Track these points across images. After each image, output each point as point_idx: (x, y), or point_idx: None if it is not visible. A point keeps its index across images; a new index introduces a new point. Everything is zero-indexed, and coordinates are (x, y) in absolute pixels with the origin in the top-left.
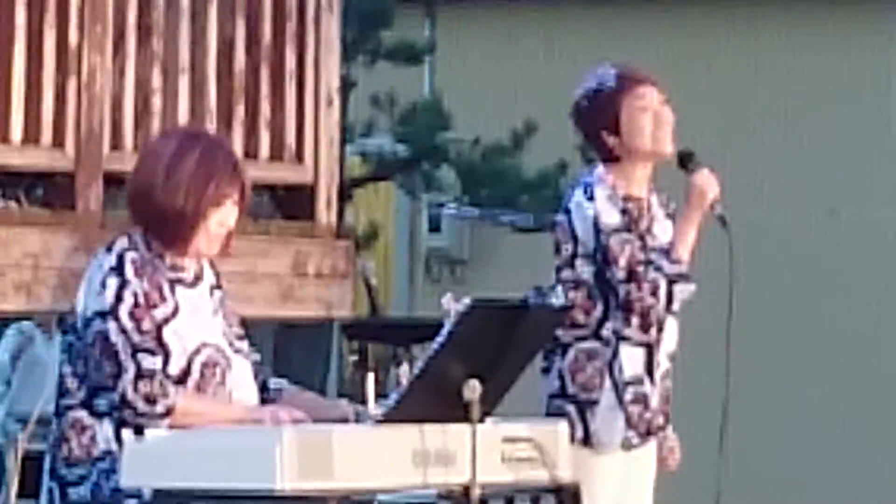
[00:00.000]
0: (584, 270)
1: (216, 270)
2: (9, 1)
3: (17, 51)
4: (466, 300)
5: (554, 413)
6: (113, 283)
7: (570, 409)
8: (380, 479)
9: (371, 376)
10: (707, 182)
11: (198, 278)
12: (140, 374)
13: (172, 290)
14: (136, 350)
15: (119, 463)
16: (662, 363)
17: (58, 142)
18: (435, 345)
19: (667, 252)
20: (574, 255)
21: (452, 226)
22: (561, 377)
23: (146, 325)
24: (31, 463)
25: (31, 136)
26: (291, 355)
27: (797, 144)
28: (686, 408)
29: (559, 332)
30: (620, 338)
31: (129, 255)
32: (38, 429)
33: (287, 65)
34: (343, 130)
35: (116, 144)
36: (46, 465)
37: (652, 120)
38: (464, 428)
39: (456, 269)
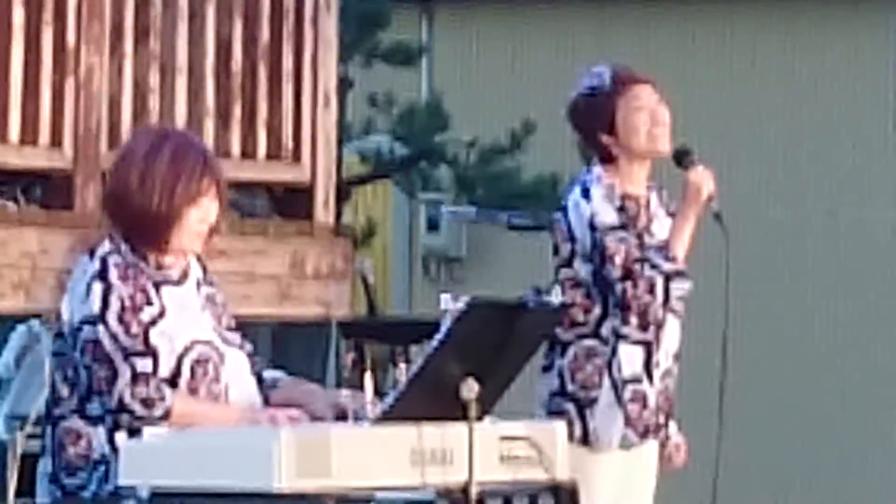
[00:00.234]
0: (583, 269)
1: (203, 265)
2: (6, 0)
3: (14, 50)
4: (464, 299)
5: (553, 411)
6: (98, 288)
7: (570, 407)
8: (377, 479)
9: (369, 375)
10: (702, 178)
11: (184, 275)
12: (135, 378)
13: (158, 291)
14: (128, 354)
15: (114, 467)
16: (662, 362)
17: (55, 142)
18: (433, 344)
19: (663, 249)
20: (572, 255)
21: (450, 225)
22: (560, 376)
23: (135, 328)
24: (30, 462)
25: (29, 136)
26: (289, 354)
27: (795, 145)
28: (683, 407)
29: (559, 331)
30: (619, 336)
31: (112, 259)
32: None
33: (284, 65)
34: (341, 130)
35: (114, 144)
36: (44, 470)
37: (648, 119)
38: (461, 427)
39: (454, 268)
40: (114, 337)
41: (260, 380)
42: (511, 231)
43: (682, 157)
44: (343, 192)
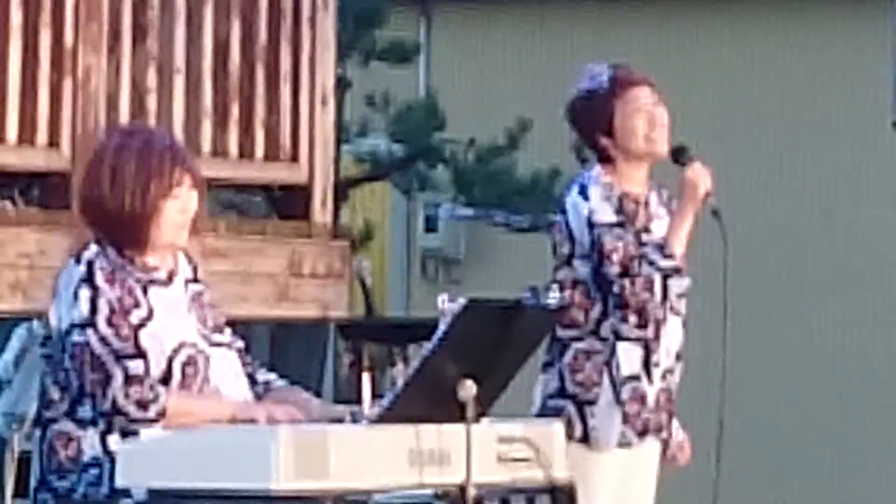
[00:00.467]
0: (582, 269)
1: (193, 264)
2: (4, 1)
3: (12, 51)
4: (461, 300)
5: (553, 411)
6: (85, 293)
7: (570, 407)
8: (375, 479)
9: (367, 376)
10: (699, 175)
11: (171, 275)
12: (128, 380)
13: (145, 293)
14: (119, 356)
15: (106, 469)
16: (663, 361)
17: (53, 142)
18: (430, 344)
19: (660, 247)
20: (571, 255)
21: (448, 226)
22: (560, 376)
23: (125, 330)
24: (27, 463)
25: (27, 136)
26: (287, 355)
27: (793, 145)
28: (681, 406)
29: (558, 331)
30: (618, 336)
31: (99, 263)
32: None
33: (282, 65)
34: (338, 130)
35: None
36: (36, 474)
37: (645, 121)
38: (459, 428)
39: (451, 268)
40: (104, 340)
41: (252, 380)
42: (509, 232)
43: (679, 155)
44: (341, 192)
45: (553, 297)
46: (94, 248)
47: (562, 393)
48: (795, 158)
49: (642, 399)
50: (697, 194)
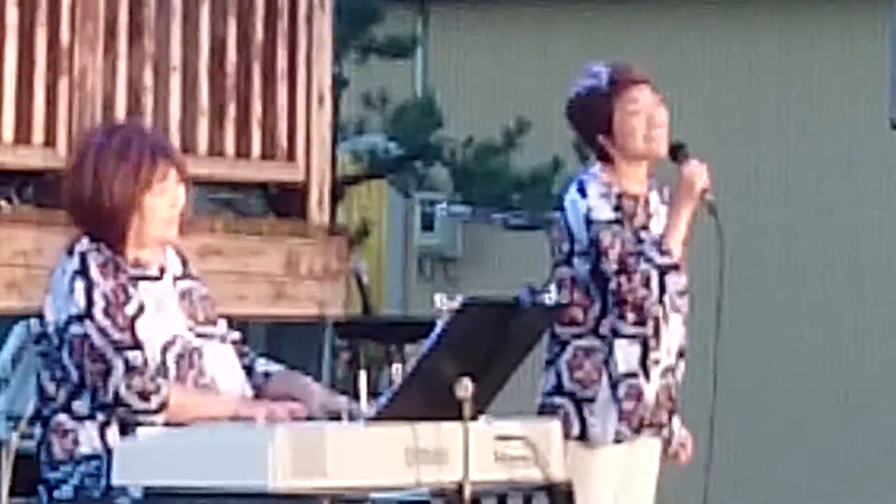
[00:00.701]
0: (582, 267)
1: (183, 258)
2: (0, 0)
3: (8, 50)
4: (459, 298)
5: (550, 409)
6: (80, 286)
7: (568, 405)
8: (373, 478)
9: (364, 375)
10: (695, 173)
11: (161, 271)
12: (129, 371)
13: (136, 287)
14: (119, 347)
15: (105, 464)
16: (664, 359)
17: (49, 141)
18: (427, 343)
19: (658, 243)
20: (570, 253)
21: (445, 224)
22: (558, 373)
23: (122, 321)
24: (24, 462)
25: (23, 135)
26: (283, 354)
27: (790, 144)
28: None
29: (558, 329)
30: (616, 333)
31: (92, 256)
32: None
33: (279, 64)
34: (335, 129)
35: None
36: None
37: (644, 122)
38: (456, 426)
39: (448, 267)
40: (103, 331)
41: (250, 371)
42: (506, 230)
43: (675, 152)
44: (337, 191)
45: (550, 296)
46: (85, 241)
47: (559, 390)
48: (793, 158)
49: (639, 396)
50: (694, 191)
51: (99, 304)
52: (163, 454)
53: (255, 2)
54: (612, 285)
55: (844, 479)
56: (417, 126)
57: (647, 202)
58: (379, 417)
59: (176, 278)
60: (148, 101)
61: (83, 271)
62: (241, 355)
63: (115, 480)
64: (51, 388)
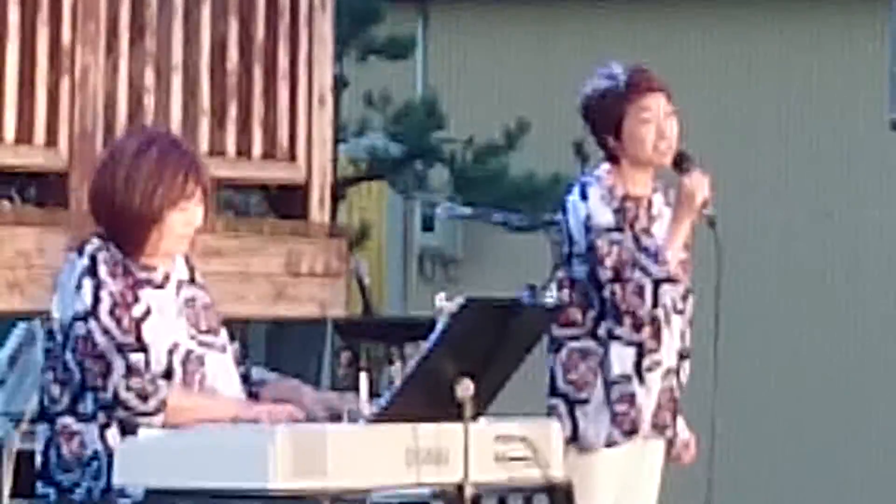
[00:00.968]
0: (580, 270)
1: (191, 265)
2: (2, 0)
3: (10, 50)
4: (459, 299)
5: (546, 410)
6: (88, 284)
7: (560, 406)
8: (373, 479)
9: (364, 375)
10: (697, 184)
11: (166, 279)
12: (129, 372)
13: (142, 290)
14: (121, 348)
15: (104, 464)
16: (665, 361)
17: (51, 141)
18: (428, 343)
19: (655, 254)
20: (570, 255)
21: (445, 225)
22: (553, 374)
23: (126, 323)
24: (25, 462)
25: (24, 135)
26: (284, 354)
27: (789, 145)
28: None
29: (555, 330)
30: (612, 337)
31: (102, 256)
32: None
33: (280, 64)
34: (336, 129)
35: (109, 143)
36: (38, 468)
37: (654, 131)
38: (457, 427)
39: (449, 267)
40: (106, 331)
41: (247, 379)
42: (506, 231)
43: (680, 162)
44: (338, 191)
45: (550, 296)
46: (96, 241)
47: (553, 391)
48: (793, 159)
49: (631, 400)
50: (694, 203)
51: (105, 303)
52: (164, 455)
53: (256, 2)
54: (606, 293)
55: (845, 479)
56: (418, 127)
57: (650, 204)
58: (379, 418)
59: (181, 285)
60: (149, 101)
61: (92, 270)
62: (238, 364)
63: (116, 481)
64: (55, 388)
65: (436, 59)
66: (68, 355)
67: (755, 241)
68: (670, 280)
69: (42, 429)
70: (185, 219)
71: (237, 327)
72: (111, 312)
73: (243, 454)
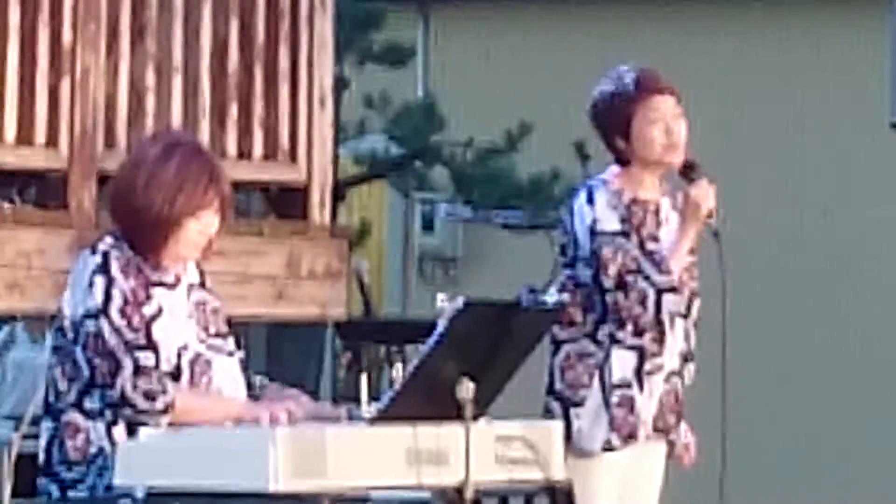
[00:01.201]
0: (584, 273)
1: (201, 269)
2: (2, 1)
3: (10, 50)
4: (459, 299)
5: (543, 409)
6: (100, 282)
7: (556, 406)
8: (373, 479)
9: (364, 376)
10: (703, 194)
11: (177, 280)
12: (137, 371)
13: (154, 290)
14: (130, 347)
15: (111, 461)
16: (668, 364)
17: (51, 141)
18: (428, 344)
19: (659, 262)
20: (575, 258)
21: (445, 225)
22: (551, 374)
23: (137, 322)
24: (24, 463)
25: (25, 135)
26: (284, 355)
27: (790, 143)
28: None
29: (555, 330)
30: (614, 341)
31: (114, 254)
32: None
33: (280, 65)
34: (336, 130)
35: (110, 144)
36: (41, 463)
37: (663, 132)
38: (457, 427)
39: (449, 268)
40: (116, 330)
41: (251, 387)
42: (506, 231)
43: (687, 171)
44: (338, 192)
45: (551, 297)
46: (109, 239)
47: (549, 391)
48: (793, 159)
49: (630, 405)
50: (700, 213)
51: (116, 301)
52: (165, 455)
53: (256, 3)
54: (609, 299)
55: (848, 480)
56: (418, 127)
57: (657, 208)
58: (380, 418)
59: (191, 288)
60: (150, 102)
61: (104, 268)
62: (243, 371)
63: (118, 481)
64: (62, 384)
65: (436, 60)
66: (78, 352)
67: (755, 241)
68: (674, 289)
69: (46, 425)
70: (200, 227)
71: (238, 328)
72: (122, 310)
73: (244, 455)
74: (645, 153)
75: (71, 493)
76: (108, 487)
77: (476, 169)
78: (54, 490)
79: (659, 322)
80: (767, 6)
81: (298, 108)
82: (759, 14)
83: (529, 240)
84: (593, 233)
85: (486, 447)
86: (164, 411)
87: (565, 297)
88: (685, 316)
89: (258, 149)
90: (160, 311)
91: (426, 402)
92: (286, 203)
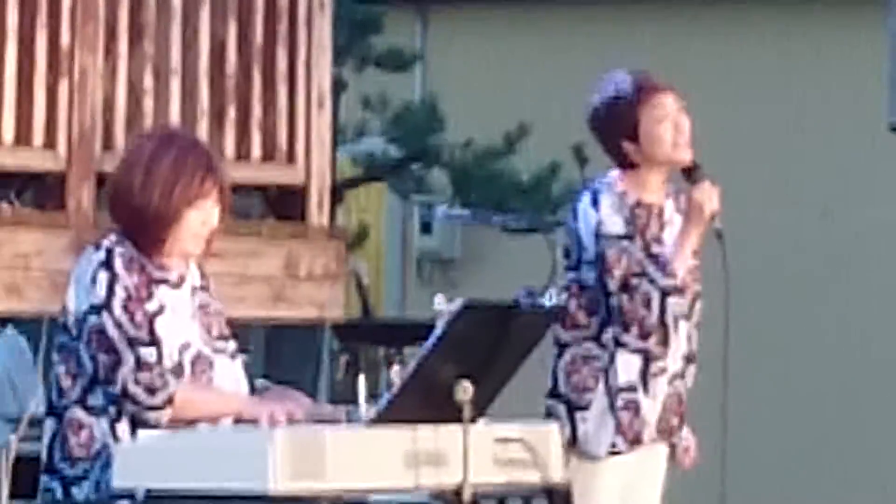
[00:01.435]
0: (589, 275)
1: (203, 272)
2: (1, 1)
3: (8, 52)
4: (458, 301)
5: (547, 412)
6: (103, 277)
7: (560, 410)
8: (372, 481)
9: (363, 378)
10: (706, 196)
11: (181, 280)
12: (139, 365)
13: (157, 288)
14: (132, 342)
15: (113, 459)
16: (671, 366)
17: (49, 143)
18: (426, 346)
19: (663, 264)
20: (580, 260)
21: (443, 227)
22: (555, 377)
23: (139, 317)
24: (23, 464)
25: (23, 136)
26: (282, 356)
27: (789, 143)
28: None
29: (559, 333)
30: (619, 344)
31: (118, 251)
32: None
33: (279, 66)
34: (335, 132)
35: (108, 145)
36: (44, 460)
37: (672, 128)
38: (456, 429)
39: (447, 270)
40: (118, 325)
41: (253, 389)
42: (505, 233)
43: (691, 172)
44: (337, 194)
45: (549, 299)
46: (112, 237)
47: (554, 394)
48: (792, 160)
49: (636, 409)
50: (703, 215)
51: (119, 296)
52: (163, 456)
53: (254, 4)
54: (613, 302)
55: (850, 481)
56: (416, 129)
57: (661, 211)
58: (378, 420)
59: (194, 290)
60: (148, 104)
61: (108, 264)
62: (245, 374)
63: (116, 483)
64: (66, 381)
65: (435, 61)
66: (81, 348)
67: (754, 242)
68: (678, 291)
69: (49, 424)
70: (201, 218)
71: (236, 330)
72: (125, 306)
73: (243, 456)
74: (655, 152)
75: (74, 490)
76: (109, 489)
77: (474, 171)
78: (57, 487)
79: (663, 325)
80: (767, 6)
81: (297, 110)
82: (759, 14)
83: (528, 242)
84: (598, 235)
85: (484, 449)
86: (165, 405)
87: (563, 299)
88: (688, 318)
89: (256, 150)
90: (163, 308)
91: (424, 403)
92: (284, 204)
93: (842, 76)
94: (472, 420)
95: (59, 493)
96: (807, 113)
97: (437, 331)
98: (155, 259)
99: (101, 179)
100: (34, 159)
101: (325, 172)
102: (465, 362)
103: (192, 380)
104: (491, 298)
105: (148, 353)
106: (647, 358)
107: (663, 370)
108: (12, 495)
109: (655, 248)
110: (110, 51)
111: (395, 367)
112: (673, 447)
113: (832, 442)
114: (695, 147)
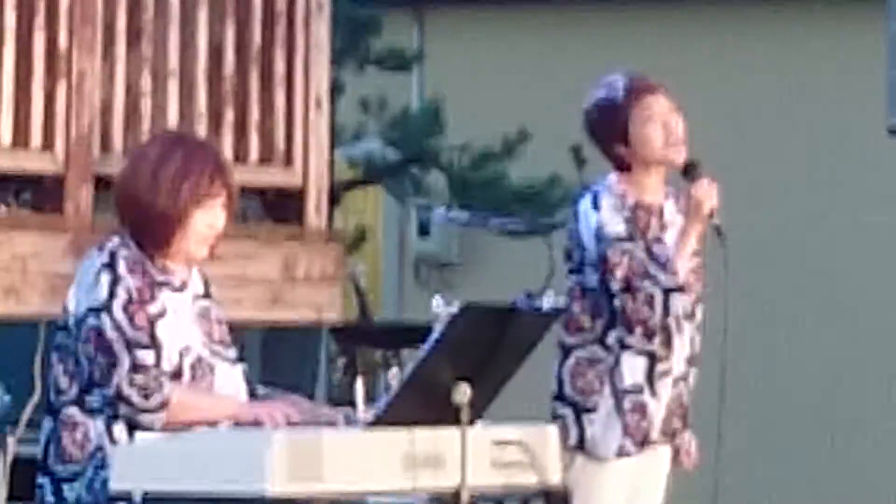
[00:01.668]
0: (592, 278)
1: (205, 279)
2: None
3: (6, 53)
4: (456, 304)
5: (552, 416)
6: (105, 279)
7: (567, 413)
8: (370, 483)
9: (361, 380)
10: (705, 193)
11: (184, 285)
12: (135, 368)
13: (160, 291)
14: (130, 344)
15: (109, 460)
16: (675, 368)
17: (47, 145)
18: (425, 348)
19: (665, 263)
20: (582, 262)
21: (442, 229)
22: (560, 381)
23: (140, 320)
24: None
25: (21, 139)
26: (280, 359)
27: (786, 148)
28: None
29: (564, 336)
30: (624, 346)
31: (122, 253)
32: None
33: (276, 68)
34: (332, 134)
35: (106, 147)
36: (39, 459)
37: (661, 128)
38: (454, 431)
39: (445, 272)
40: (117, 327)
41: (253, 395)
42: (503, 236)
43: (689, 170)
44: (334, 196)
45: (548, 302)
46: (116, 239)
47: (560, 398)
48: (790, 163)
49: (643, 411)
50: (702, 212)
51: (120, 298)
52: (161, 459)
53: (252, 6)
54: (617, 303)
55: (852, 482)
56: (414, 132)
57: (661, 212)
58: (376, 422)
59: (196, 297)
60: (146, 106)
61: (111, 265)
62: (245, 380)
63: (114, 485)
64: (63, 380)
65: (433, 64)
66: (80, 349)
67: (754, 244)
68: (680, 289)
69: (46, 424)
70: (208, 219)
71: (234, 333)
72: (125, 307)
73: (241, 459)
74: (646, 153)
75: (66, 488)
76: (106, 491)
77: (473, 174)
78: (48, 485)
79: (666, 326)
80: (767, 7)
81: (294, 112)
82: (759, 15)
83: (526, 244)
84: (599, 237)
85: (482, 451)
86: (160, 408)
87: (561, 301)
88: (691, 318)
89: (254, 153)
90: (165, 311)
91: (422, 406)
92: (282, 207)
93: (842, 78)
94: (470, 422)
95: (49, 492)
96: (806, 115)
97: (435, 333)
98: (158, 262)
99: (98, 182)
100: (32, 161)
101: (323, 175)
102: (463, 365)
103: (191, 384)
104: (489, 301)
105: (145, 356)
106: (653, 359)
107: (668, 372)
108: (10, 497)
109: (656, 249)
110: (108, 53)
111: (393, 370)
112: (676, 449)
113: (829, 444)
114: (694, 147)
